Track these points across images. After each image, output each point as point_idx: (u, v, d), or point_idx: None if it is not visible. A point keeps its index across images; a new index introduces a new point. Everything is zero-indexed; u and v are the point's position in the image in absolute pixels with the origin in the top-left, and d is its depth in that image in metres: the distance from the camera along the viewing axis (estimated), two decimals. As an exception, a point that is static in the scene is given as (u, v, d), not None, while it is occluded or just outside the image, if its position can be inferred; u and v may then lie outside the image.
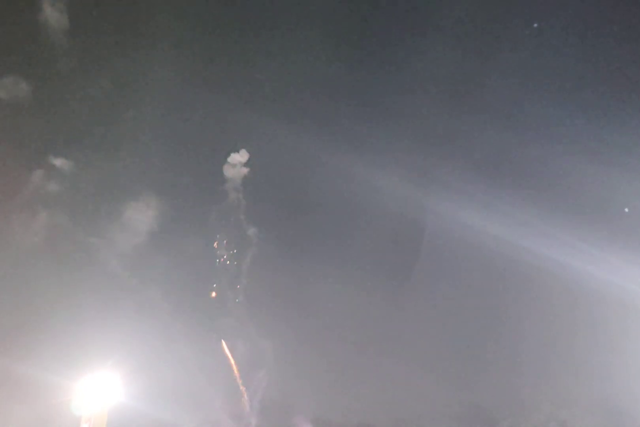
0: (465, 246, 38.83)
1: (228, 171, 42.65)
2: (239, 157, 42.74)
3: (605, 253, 35.79)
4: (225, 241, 41.98)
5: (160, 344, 38.50)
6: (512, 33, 39.45)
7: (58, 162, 40.48)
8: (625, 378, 35.57)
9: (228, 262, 41.67)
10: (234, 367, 40.23)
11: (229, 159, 42.81)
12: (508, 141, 38.72)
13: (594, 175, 37.08)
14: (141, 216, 40.50)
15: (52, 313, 37.52)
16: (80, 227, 40.26)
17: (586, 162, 37.13)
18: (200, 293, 41.68)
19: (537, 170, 39.45)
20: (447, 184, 39.64)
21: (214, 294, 41.99)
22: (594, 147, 37.63)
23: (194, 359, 39.83)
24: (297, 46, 41.21)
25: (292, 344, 39.77)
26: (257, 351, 40.71)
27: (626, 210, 36.23)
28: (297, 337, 39.69)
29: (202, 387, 39.14)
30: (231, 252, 41.89)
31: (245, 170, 42.88)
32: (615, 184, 36.88)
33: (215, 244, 41.77)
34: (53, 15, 38.02)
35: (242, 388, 39.86)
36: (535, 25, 38.81)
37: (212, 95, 40.12)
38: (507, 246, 37.17)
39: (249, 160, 43.03)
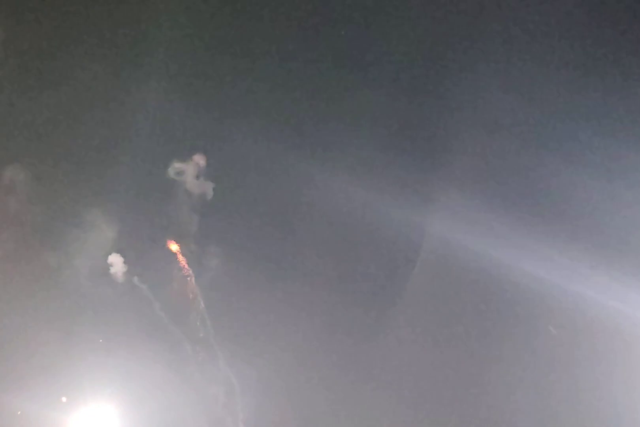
0: (459, 267, 35.51)
1: (181, 184, 35.30)
2: (189, 167, 35.36)
3: (612, 281, 32.76)
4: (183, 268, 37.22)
5: (148, 374, 36.68)
6: (515, 41, 34.92)
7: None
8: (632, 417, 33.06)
9: (191, 288, 37.55)
10: (217, 396, 37.92)
11: (170, 170, 35.26)
12: (507, 159, 35.60)
13: (599, 198, 34.06)
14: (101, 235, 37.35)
15: (34, 340, 36.44)
16: (45, 244, 37.89)
17: (592, 181, 34.32)
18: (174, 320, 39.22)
19: (538, 189, 36.18)
20: (441, 201, 36.00)
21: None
22: (599, 165, 34.39)
23: (179, 387, 37.99)
24: (286, 43, 36.81)
25: (275, 371, 37.62)
26: (240, 379, 38.35)
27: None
28: (281, 363, 37.52)
29: (190, 417, 37.38)
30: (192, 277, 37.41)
31: (199, 182, 35.94)
32: (624, 208, 33.71)
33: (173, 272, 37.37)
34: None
35: (227, 418, 37.73)
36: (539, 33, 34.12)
37: (177, 106, 36.16)
38: (506, 269, 33.99)
39: (206, 168, 35.58)
